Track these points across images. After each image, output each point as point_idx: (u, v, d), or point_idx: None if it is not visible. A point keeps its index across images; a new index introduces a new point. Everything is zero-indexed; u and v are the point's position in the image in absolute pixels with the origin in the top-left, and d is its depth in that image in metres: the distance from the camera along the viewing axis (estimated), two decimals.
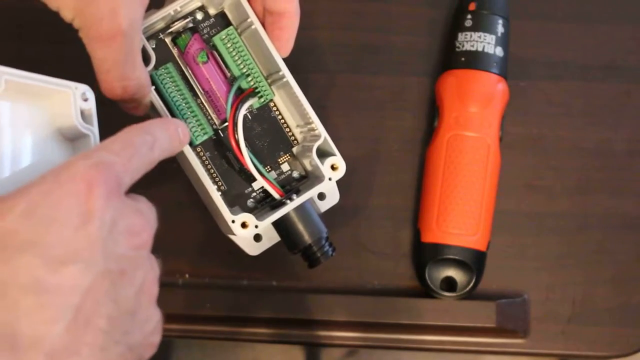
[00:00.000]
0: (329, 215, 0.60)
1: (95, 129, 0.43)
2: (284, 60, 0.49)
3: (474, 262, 0.58)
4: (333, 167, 0.49)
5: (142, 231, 0.38)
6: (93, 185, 0.35)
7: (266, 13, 0.48)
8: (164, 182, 0.58)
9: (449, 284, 0.59)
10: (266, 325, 0.59)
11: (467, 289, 0.58)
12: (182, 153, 0.47)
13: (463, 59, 0.59)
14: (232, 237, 0.49)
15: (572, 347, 0.59)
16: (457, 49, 0.60)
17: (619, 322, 0.59)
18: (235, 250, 0.51)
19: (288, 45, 0.49)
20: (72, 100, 0.42)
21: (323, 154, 0.50)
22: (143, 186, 0.40)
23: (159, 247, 0.40)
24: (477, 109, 0.58)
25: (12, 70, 0.40)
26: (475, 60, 0.59)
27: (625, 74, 0.62)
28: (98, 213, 0.35)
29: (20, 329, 0.33)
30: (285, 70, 0.49)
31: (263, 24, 0.49)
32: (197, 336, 0.60)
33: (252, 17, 0.48)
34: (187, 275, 0.60)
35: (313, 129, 0.49)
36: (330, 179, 0.49)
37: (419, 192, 0.60)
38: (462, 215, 0.58)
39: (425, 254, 0.59)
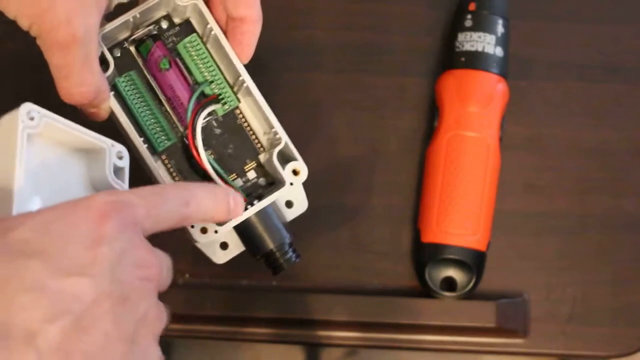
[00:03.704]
0: (329, 215, 0.60)
1: (125, 185, 0.45)
2: (246, 66, 0.49)
3: (474, 262, 0.58)
4: (295, 172, 0.49)
5: (152, 266, 0.39)
6: (106, 216, 0.36)
7: (228, 19, 0.48)
8: None
9: (449, 284, 0.59)
10: (266, 325, 0.59)
11: (467, 289, 0.58)
12: (144, 161, 0.48)
13: (463, 59, 0.59)
14: (198, 245, 0.49)
15: (572, 347, 0.59)
16: (457, 49, 0.60)
17: (619, 322, 0.59)
18: None
19: (248, 51, 0.49)
20: (108, 155, 0.44)
21: (288, 159, 0.49)
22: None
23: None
24: (477, 109, 0.58)
25: (54, 116, 0.41)
26: (475, 60, 0.59)
27: (625, 74, 0.62)
28: (108, 239, 0.36)
29: (13, 321, 0.33)
30: (245, 75, 0.49)
31: (227, 30, 0.49)
32: (197, 336, 0.60)
33: (212, 23, 0.48)
34: (187, 275, 0.60)
35: (276, 133, 0.49)
36: (291, 184, 0.49)
37: (419, 192, 0.60)
38: (462, 215, 0.58)
39: (425, 254, 0.59)
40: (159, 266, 0.39)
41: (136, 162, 0.47)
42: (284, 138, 0.49)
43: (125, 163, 0.45)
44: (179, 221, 0.41)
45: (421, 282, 0.59)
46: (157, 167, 0.48)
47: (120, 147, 0.45)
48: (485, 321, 0.58)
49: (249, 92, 0.49)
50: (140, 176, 0.47)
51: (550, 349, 0.60)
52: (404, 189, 0.61)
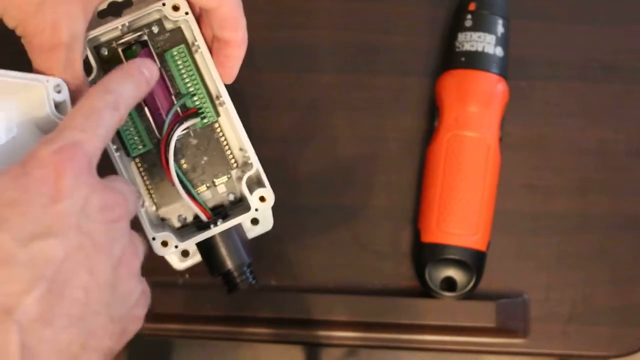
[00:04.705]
0: (329, 215, 0.60)
1: None
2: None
3: (474, 262, 0.58)
4: (262, 199, 0.49)
5: (116, 206, 0.38)
6: (60, 169, 0.36)
7: (214, 38, 0.48)
8: None
9: (449, 284, 0.59)
10: (266, 325, 0.59)
11: (467, 289, 0.58)
12: (117, 164, 0.48)
13: (463, 59, 0.59)
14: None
15: (572, 347, 0.59)
16: (457, 49, 0.60)
17: (619, 322, 0.59)
18: None
19: (232, 73, 0.49)
20: (45, 93, 0.43)
21: (258, 182, 0.49)
22: None
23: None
24: (477, 109, 0.58)
25: None
26: (475, 60, 0.59)
27: (625, 74, 0.62)
28: (67, 192, 0.36)
29: None
30: (225, 96, 0.49)
31: (212, 50, 0.49)
32: (197, 336, 0.60)
33: (199, 41, 0.48)
34: (187, 275, 0.60)
35: (249, 157, 0.49)
36: (257, 210, 0.49)
37: (419, 192, 0.60)
38: (462, 215, 0.58)
39: (425, 254, 0.59)
40: (123, 201, 0.39)
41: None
42: (256, 165, 0.49)
43: (64, 96, 0.44)
44: (117, 126, 0.40)
45: (421, 282, 0.59)
46: (124, 169, 0.48)
47: (57, 81, 0.44)
48: (485, 321, 0.58)
49: (228, 110, 0.49)
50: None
51: (550, 349, 0.60)
52: (404, 189, 0.61)
